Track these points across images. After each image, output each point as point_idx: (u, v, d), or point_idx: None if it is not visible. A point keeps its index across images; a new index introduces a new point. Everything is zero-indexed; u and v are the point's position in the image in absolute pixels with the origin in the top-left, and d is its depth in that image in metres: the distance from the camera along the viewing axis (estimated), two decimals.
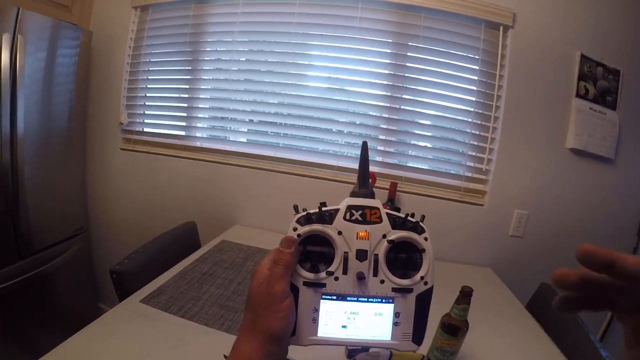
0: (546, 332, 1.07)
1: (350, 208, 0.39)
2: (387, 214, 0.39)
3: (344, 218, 0.38)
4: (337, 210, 0.39)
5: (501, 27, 1.52)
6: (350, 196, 0.40)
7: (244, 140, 1.80)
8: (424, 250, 0.39)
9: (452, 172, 1.65)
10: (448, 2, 1.50)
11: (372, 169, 1.61)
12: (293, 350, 0.40)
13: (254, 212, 1.76)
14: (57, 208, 1.64)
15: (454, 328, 0.77)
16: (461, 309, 0.76)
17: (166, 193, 1.84)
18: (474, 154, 1.61)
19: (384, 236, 0.38)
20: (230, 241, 1.46)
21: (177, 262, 1.20)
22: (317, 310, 0.38)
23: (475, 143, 1.60)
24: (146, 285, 1.02)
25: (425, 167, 1.67)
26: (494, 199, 1.59)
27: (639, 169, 1.58)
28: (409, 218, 0.39)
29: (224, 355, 0.72)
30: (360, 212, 0.39)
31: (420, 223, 0.39)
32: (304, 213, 0.39)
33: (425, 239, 0.39)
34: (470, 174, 1.62)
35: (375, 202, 0.39)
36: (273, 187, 1.71)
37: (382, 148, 1.65)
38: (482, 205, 1.60)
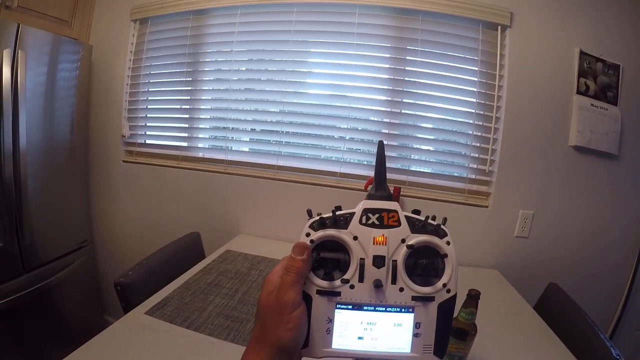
0: (555, 332, 1.05)
1: (366, 211, 0.37)
2: (405, 217, 0.37)
3: (360, 222, 0.36)
4: (352, 214, 0.37)
5: (499, 27, 1.52)
6: (366, 199, 0.38)
7: (246, 149, 1.80)
8: (446, 256, 0.36)
9: (456, 174, 1.64)
10: (445, 4, 1.50)
11: None
12: None
13: (258, 221, 1.75)
14: (61, 221, 1.64)
15: (462, 332, 0.76)
16: (468, 312, 0.75)
17: (169, 204, 1.85)
18: (476, 155, 1.60)
19: (403, 241, 0.36)
20: (234, 251, 1.45)
21: (182, 273, 1.20)
22: (331, 320, 0.36)
23: (478, 144, 1.59)
24: (151, 297, 1.02)
25: (429, 171, 1.66)
26: (499, 200, 1.57)
27: None
28: (430, 221, 0.37)
29: None
30: (377, 215, 0.36)
31: (442, 226, 0.37)
32: (317, 218, 0.37)
33: (448, 243, 0.37)
34: (473, 176, 1.61)
35: (393, 205, 0.37)
36: (276, 196, 1.70)
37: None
38: (486, 206, 1.59)
